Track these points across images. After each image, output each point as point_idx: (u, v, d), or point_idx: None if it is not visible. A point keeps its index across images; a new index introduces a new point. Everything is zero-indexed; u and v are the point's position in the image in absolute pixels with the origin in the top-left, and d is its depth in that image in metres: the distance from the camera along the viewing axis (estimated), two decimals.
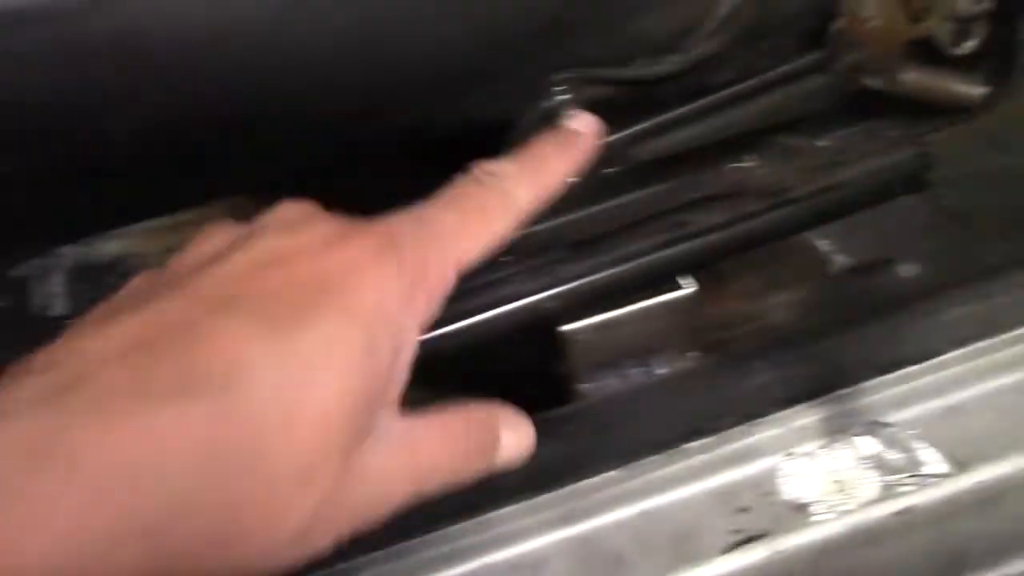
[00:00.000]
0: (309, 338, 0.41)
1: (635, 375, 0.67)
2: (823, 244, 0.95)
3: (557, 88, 0.59)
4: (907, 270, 0.90)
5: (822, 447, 0.59)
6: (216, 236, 0.47)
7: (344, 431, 0.42)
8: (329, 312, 0.42)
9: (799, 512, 0.57)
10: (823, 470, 0.58)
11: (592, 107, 0.59)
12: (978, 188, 1.01)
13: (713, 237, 0.63)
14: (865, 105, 0.66)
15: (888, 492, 0.57)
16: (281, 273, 0.43)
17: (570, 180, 0.61)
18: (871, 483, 0.58)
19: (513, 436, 0.53)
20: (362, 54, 0.52)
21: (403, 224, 0.48)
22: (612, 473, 0.57)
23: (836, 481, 0.58)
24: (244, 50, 0.48)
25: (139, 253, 0.98)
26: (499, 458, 0.52)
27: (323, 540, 0.44)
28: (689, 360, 0.67)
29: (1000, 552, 0.60)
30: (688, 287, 0.64)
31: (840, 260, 0.93)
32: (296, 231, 0.46)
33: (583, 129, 0.56)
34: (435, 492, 0.49)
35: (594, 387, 0.66)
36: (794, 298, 0.90)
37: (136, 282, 0.46)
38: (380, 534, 0.56)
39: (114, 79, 0.46)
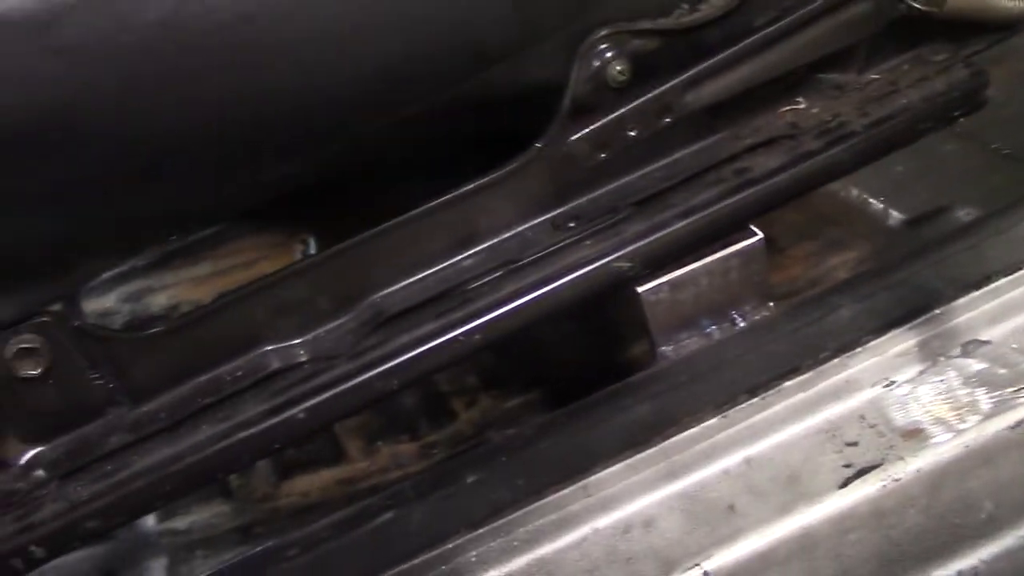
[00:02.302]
0: None
1: (717, 330, 0.65)
2: (877, 202, 0.94)
3: (602, 45, 0.58)
4: (965, 215, 0.89)
5: (922, 372, 0.57)
6: None
7: None
8: None
9: (911, 439, 0.55)
10: (928, 395, 0.56)
11: (638, 60, 0.59)
12: None
13: (777, 180, 0.62)
14: (910, 31, 0.65)
15: (999, 407, 0.55)
16: None
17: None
18: (980, 401, 0.56)
19: None
20: (399, 34, 0.53)
21: None
22: (711, 422, 0.55)
23: (944, 404, 0.56)
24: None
25: (189, 300, 0.99)
26: None
27: None
28: (770, 309, 0.65)
29: None
30: (759, 235, 0.63)
31: (895, 215, 0.91)
32: None
33: None
34: None
35: (677, 346, 0.64)
36: (854, 257, 0.89)
37: None
38: (481, 510, 0.55)
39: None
